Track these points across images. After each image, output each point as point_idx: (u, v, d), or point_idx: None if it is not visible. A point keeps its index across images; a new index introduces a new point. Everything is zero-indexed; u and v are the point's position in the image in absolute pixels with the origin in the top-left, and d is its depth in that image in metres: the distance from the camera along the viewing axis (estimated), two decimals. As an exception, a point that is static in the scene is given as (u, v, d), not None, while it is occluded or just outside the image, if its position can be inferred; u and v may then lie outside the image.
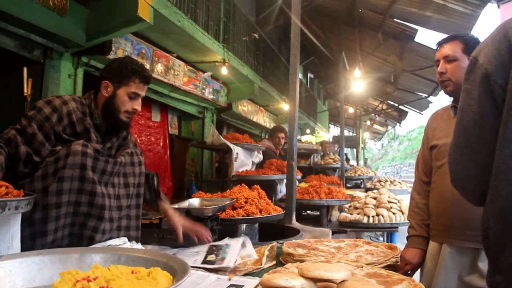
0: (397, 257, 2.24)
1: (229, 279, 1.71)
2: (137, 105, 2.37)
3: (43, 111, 2.13)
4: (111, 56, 5.46)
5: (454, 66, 2.29)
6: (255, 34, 8.54)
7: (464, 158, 1.38)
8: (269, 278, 1.11)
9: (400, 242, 2.61)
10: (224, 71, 7.61)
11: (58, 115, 2.16)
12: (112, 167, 2.22)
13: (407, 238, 2.53)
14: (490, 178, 1.29)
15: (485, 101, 1.29)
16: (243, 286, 1.62)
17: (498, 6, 14.41)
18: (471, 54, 1.39)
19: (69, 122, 2.20)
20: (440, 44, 2.39)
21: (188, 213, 2.54)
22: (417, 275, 2.48)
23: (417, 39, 9.95)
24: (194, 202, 2.91)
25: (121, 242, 2.12)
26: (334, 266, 1.11)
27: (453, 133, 1.43)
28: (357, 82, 11.13)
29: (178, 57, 7.33)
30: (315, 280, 1.11)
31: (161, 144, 8.34)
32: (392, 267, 2.07)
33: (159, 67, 6.71)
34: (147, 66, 6.30)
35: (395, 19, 9.62)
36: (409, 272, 2.35)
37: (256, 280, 1.63)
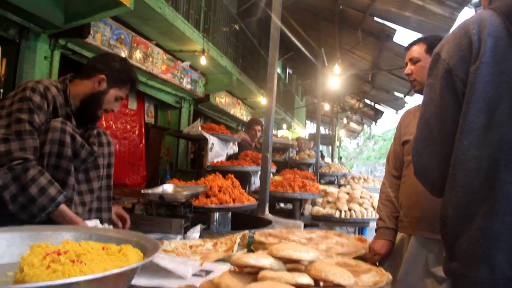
0: (367, 249, 2.28)
1: (201, 265, 1.73)
2: (117, 107, 2.41)
3: (34, 100, 2.05)
4: (90, 40, 5.39)
5: (417, 67, 2.42)
6: (235, 26, 8.53)
7: (427, 150, 1.44)
8: (238, 257, 1.12)
9: (371, 237, 2.65)
10: (203, 61, 7.58)
11: (46, 101, 2.11)
12: (86, 155, 2.20)
13: (376, 230, 2.58)
14: (449, 168, 1.35)
15: (447, 95, 1.36)
16: (212, 271, 1.64)
17: (476, 11, 14.67)
18: (434, 50, 1.45)
19: (53, 107, 2.15)
20: (408, 47, 2.51)
21: (161, 198, 2.54)
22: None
23: (395, 39, 10.10)
24: (168, 188, 2.90)
25: (93, 224, 2.11)
26: (303, 248, 1.13)
27: (416, 127, 1.49)
28: (335, 78, 11.21)
29: (157, 45, 7.29)
30: (284, 260, 1.13)
31: (137, 132, 8.27)
32: (361, 258, 2.10)
33: (138, 54, 6.65)
34: (126, 53, 6.24)
35: (375, 18, 9.73)
36: (377, 263, 2.40)
37: (226, 266, 1.65)
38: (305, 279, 1.09)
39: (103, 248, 1.15)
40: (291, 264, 1.17)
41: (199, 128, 5.05)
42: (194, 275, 1.57)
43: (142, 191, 2.64)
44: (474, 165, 1.29)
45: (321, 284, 1.14)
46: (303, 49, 9.14)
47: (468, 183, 1.30)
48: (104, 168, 2.36)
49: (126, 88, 2.37)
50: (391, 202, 2.57)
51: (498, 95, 1.27)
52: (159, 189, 2.80)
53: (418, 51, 2.44)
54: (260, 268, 1.10)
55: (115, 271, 0.97)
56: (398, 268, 2.41)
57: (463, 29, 1.36)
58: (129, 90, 2.40)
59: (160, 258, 1.55)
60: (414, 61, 2.44)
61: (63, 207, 1.99)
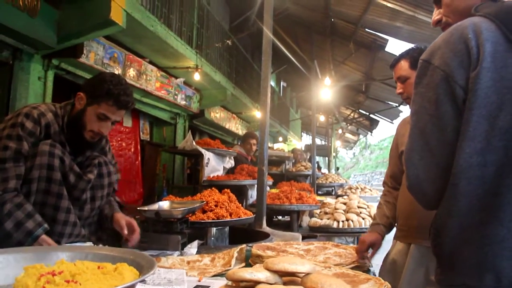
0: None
1: (199, 280, 1.72)
2: (105, 128, 2.20)
3: (25, 126, 2.01)
4: (83, 59, 5.40)
5: (407, 85, 2.44)
6: (228, 41, 8.58)
7: (423, 162, 1.37)
8: (234, 271, 1.12)
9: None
10: (196, 77, 7.62)
11: (39, 127, 2.06)
12: (75, 179, 2.16)
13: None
14: (449, 178, 1.31)
15: (445, 103, 1.31)
16: (209, 287, 1.63)
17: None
18: (421, 58, 1.41)
19: (45, 134, 2.10)
20: (392, 66, 2.54)
21: (157, 215, 2.53)
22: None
23: (387, 48, 10.17)
24: (164, 204, 2.89)
25: (87, 245, 2.10)
26: (299, 260, 1.13)
27: (409, 137, 1.42)
28: (328, 90, 11.26)
29: (151, 62, 7.31)
30: (280, 273, 1.13)
31: (132, 149, 8.26)
32: (359, 268, 2.10)
33: (131, 72, 6.67)
34: (119, 71, 6.25)
35: (366, 29, 9.80)
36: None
37: (224, 281, 1.64)
38: (302, 292, 1.08)
39: (98, 268, 1.15)
40: (287, 277, 1.17)
41: (193, 142, 5.04)
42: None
43: (138, 208, 2.62)
44: (477, 172, 1.26)
45: (318, 296, 1.14)
46: (295, 62, 9.20)
47: (471, 191, 1.26)
48: (102, 199, 2.34)
49: (106, 103, 2.13)
50: (385, 206, 2.66)
51: (500, 101, 1.24)
52: (155, 206, 2.79)
53: (403, 68, 2.45)
54: (256, 282, 1.10)
55: (110, 290, 0.97)
56: (399, 278, 2.41)
57: (456, 35, 1.32)
58: (112, 105, 2.15)
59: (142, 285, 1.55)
60: (403, 79, 2.45)
61: (43, 238, 1.94)
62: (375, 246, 2.50)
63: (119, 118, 2.24)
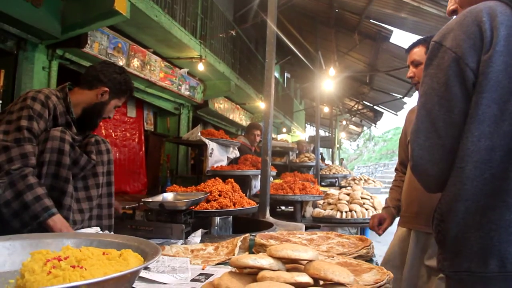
0: (368, 248, 2.29)
1: (203, 269, 1.74)
2: (113, 113, 2.53)
3: (34, 108, 2.10)
4: (87, 49, 5.41)
5: (420, 69, 2.48)
6: (232, 32, 8.55)
7: (429, 143, 1.36)
8: (238, 258, 1.13)
9: (372, 237, 2.78)
10: (200, 67, 7.61)
11: (47, 109, 2.16)
12: (85, 162, 2.22)
13: None
14: (455, 161, 1.31)
15: (454, 84, 1.30)
16: (212, 274, 1.65)
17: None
18: (432, 39, 1.40)
19: (53, 115, 2.20)
20: (408, 50, 2.57)
21: (161, 207, 2.55)
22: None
23: (392, 40, 10.11)
24: (168, 196, 2.91)
25: (94, 231, 2.12)
26: (302, 247, 1.14)
27: (415, 118, 1.41)
28: (332, 81, 11.23)
29: (155, 53, 7.31)
30: (283, 260, 1.14)
31: (136, 140, 8.28)
32: (362, 258, 2.11)
33: (135, 62, 6.67)
34: (123, 61, 6.26)
35: (371, 20, 9.76)
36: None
37: (227, 269, 1.65)
38: (304, 278, 1.09)
39: (103, 254, 1.16)
40: (291, 264, 1.18)
41: (199, 134, 5.07)
42: (194, 280, 1.57)
43: (143, 200, 2.65)
44: (485, 156, 1.25)
45: (321, 283, 1.15)
46: (299, 54, 9.18)
47: (478, 175, 1.26)
48: (104, 175, 2.38)
49: (125, 98, 2.49)
50: (395, 190, 2.89)
51: (511, 86, 1.24)
52: (159, 198, 2.81)
53: (418, 53, 2.48)
54: (260, 269, 1.11)
55: (115, 274, 0.98)
56: (403, 266, 2.49)
57: (470, 17, 1.30)
58: (127, 99, 2.54)
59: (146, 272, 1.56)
60: (416, 63, 2.49)
61: (58, 216, 2.01)
62: (385, 221, 2.80)
63: None
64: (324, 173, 9.86)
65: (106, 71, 2.41)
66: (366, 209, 4.60)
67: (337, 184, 9.64)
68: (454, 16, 1.54)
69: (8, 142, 1.97)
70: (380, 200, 4.77)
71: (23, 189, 1.92)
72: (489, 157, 1.25)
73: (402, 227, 2.65)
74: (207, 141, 5.02)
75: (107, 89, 2.38)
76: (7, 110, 2.13)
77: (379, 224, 2.86)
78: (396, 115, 17.80)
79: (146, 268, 1.55)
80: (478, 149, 1.26)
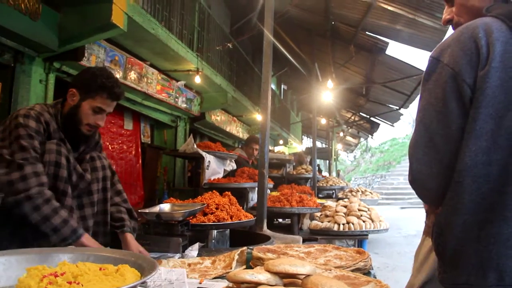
0: (366, 261, 2.28)
1: (200, 283, 1.73)
2: (101, 120, 2.30)
3: (30, 125, 2.06)
4: (84, 62, 5.41)
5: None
6: (229, 44, 8.59)
7: (427, 157, 1.39)
8: (235, 273, 1.13)
9: (370, 249, 2.71)
10: (197, 80, 7.63)
11: (42, 126, 2.12)
12: (77, 179, 2.20)
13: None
14: (453, 175, 1.33)
15: (451, 100, 1.33)
16: (210, 289, 1.64)
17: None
18: (430, 55, 1.42)
19: (48, 133, 2.16)
20: None
21: (158, 217, 2.54)
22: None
23: (388, 51, 10.16)
24: (165, 207, 2.90)
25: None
26: (299, 262, 1.13)
27: (413, 132, 1.44)
28: (329, 93, 11.26)
29: (152, 65, 7.32)
30: (280, 275, 1.13)
31: (133, 152, 8.26)
32: (360, 270, 2.10)
33: (132, 75, 6.68)
34: (120, 74, 6.26)
35: (367, 32, 9.80)
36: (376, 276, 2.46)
37: (224, 283, 1.64)
38: (302, 293, 1.09)
39: (100, 269, 1.15)
40: (288, 279, 1.18)
41: (194, 145, 5.06)
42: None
43: (139, 210, 2.63)
44: (482, 171, 1.27)
45: (319, 297, 1.14)
46: (296, 64, 9.21)
47: (476, 189, 1.27)
48: (99, 192, 2.35)
49: (101, 96, 2.24)
50: None
51: (507, 101, 1.26)
52: (156, 209, 2.80)
53: None
54: (257, 284, 1.11)
55: (112, 291, 0.97)
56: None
57: (467, 34, 1.33)
58: (106, 98, 2.26)
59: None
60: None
61: (86, 236, 2.03)
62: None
63: (112, 109, 2.34)
64: (321, 185, 9.84)
65: (79, 74, 2.34)
66: (364, 221, 4.59)
67: (334, 196, 9.62)
68: (450, 26, 1.56)
69: (21, 160, 1.95)
70: (377, 212, 4.77)
71: (49, 213, 1.93)
72: (487, 171, 1.27)
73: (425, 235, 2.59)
74: (204, 153, 5.02)
75: (74, 90, 2.24)
76: (1, 126, 2.12)
77: None
78: (393, 126, 17.82)
79: (143, 283, 1.54)
80: (476, 163, 1.27)
